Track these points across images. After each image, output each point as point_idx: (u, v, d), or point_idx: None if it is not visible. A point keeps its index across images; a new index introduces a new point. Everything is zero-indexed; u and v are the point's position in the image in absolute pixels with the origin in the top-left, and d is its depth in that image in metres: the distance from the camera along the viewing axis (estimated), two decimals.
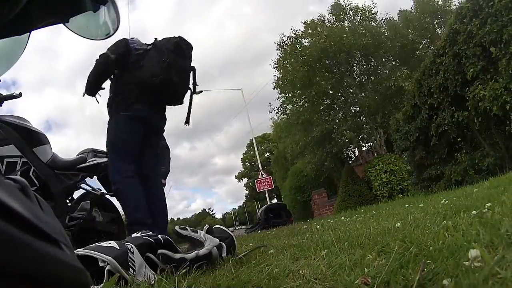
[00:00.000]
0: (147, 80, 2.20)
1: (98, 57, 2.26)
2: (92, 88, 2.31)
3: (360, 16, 12.90)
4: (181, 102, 2.40)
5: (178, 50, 2.29)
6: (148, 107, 2.28)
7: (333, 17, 12.92)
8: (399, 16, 13.77)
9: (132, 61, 2.26)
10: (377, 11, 12.98)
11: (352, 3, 12.92)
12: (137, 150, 2.29)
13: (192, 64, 2.40)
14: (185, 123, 2.47)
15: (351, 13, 12.94)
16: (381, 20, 13.10)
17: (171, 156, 3.65)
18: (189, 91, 2.40)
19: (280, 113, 13.51)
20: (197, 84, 2.40)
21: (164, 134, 2.64)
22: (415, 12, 13.49)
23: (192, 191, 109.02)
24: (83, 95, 2.32)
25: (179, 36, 2.34)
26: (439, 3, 13.34)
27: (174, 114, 2.82)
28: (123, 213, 2.48)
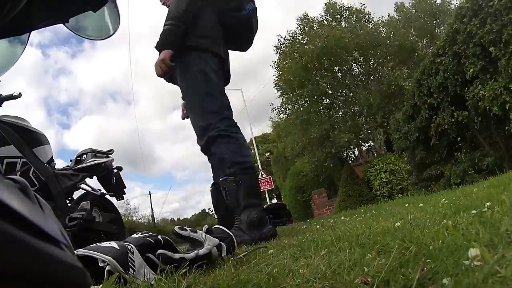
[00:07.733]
0: None
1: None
2: None
3: (355, 17, 12.88)
4: None
5: None
6: None
7: (329, 17, 12.93)
8: (395, 10, 13.76)
9: None
10: (369, 12, 13.00)
11: (344, 3, 12.97)
12: None
13: None
14: None
15: (346, 13, 12.93)
16: (377, 22, 13.11)
17: None
18: None
19: (280, 112, 13.52)
20: None
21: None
22: (414, 10, 13.48)
23: None
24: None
25: None
26: (437, 2, 13.34)
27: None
28: (123, 214, 2.46)
